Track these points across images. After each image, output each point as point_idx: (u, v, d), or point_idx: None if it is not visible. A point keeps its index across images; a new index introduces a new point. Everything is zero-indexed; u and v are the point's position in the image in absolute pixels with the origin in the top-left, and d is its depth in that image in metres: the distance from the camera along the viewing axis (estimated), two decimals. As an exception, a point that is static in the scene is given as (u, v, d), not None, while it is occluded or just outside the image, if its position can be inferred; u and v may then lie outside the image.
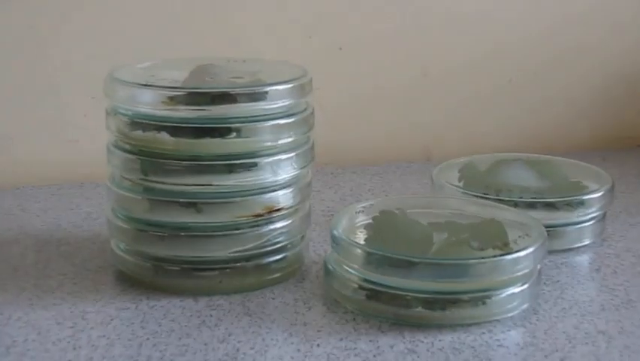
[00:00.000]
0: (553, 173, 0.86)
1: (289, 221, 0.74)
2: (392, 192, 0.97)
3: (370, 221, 0.75)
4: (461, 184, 0.85)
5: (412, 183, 1.00)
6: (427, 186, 0.95)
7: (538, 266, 0.71)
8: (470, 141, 1.09)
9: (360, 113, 1.06)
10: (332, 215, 0.86)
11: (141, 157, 0.71)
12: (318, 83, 0.76)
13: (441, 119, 1.10)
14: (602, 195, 0.82)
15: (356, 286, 0.70)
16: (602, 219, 0.83)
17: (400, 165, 1.05)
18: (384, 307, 0.68)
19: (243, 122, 0.70)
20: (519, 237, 0.71)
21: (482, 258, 0.68)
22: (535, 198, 0.81)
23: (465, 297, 0.68)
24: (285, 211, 0.73)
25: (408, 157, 1.07)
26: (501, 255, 0.68)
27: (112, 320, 0.68)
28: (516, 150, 1.02)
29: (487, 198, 0.81)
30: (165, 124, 0.70)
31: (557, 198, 0.80)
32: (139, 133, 0.70)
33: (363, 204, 0.77)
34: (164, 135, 0.70)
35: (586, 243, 0.82)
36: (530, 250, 0.68)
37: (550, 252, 0.77)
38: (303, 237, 0.77)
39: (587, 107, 1.14)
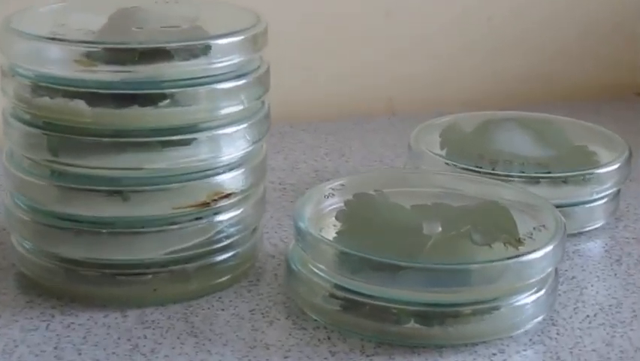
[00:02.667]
0: (553, 136, 0.72)
1: (240, 210, 0.58)
2: (352, 155, 0.81)
3: (343, 207, 0.59)
4: (444, 152, 0.70)
5: (375, 143, 0.85)
6: (394, 147, 0.81)
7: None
8: (440, 90, 0.94)
9: (310, 60, 0.90)
10: (284, 189, 0.71)
11: (49, 132, 0.54)
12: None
13: (406, 65, 0.94)
14: (620, 168, 0.67)
15: (328, 293, 0.54)
16: (616, 195, 0.69)
17: (358, 121, 0.90)
18: (367, 321, 0.54)
19: (181, 85, 0.54)
20: (533, 229, 0.57)
21: (491, 261, 0.53)
22: (540, 172, 0.66)
23: (467, 309, 0.53)
24: (235, 198, 0.57)
25: (368, 110, 0.92)
26: (515, 257, 0.53)
27: (16, 346, 0.52)
28: (491, 103, 0.88)
29: (479, 172, 0.66)
30: (80, 89, 0.53)
31: (568, 173, 0.66)
32: (45, 100, 0.54)
33: (331, 185, 0.61)
34: (79, 104, 0.53)
35: (598, 224, 0.68)
36: (549, 248, 0.54)
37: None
38: (256, 227, 0.61)
39: (574, 49, 0.99)
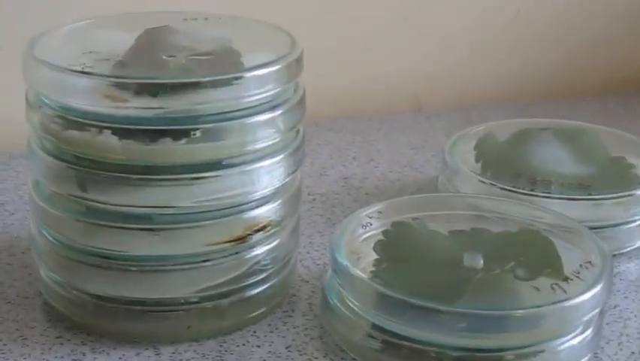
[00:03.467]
0: (589, 148, 0.70)
1: (276, 241, 0.56)
2: (381, 159, 0.79)
3: (381, 237, 0.57)
4: (479, 165, 0.68)
5: (402, 145, 0.82)
6: (423, 149, 0.79)
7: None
8: (466, 85, 0.91)
9: (337, 57, 0.87)
10: (313, 200, 0.69)
11: (77, 166, 0.52)
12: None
13: (431, 61, 0.91)
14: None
15: (366, 332, 0.53)
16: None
17: (384, 119, 0.87)
18: (406, 363, 0.52)
19: (213, 120, 0.52)
20: (580, 266, 0.55)
21: (536, 306, 0.51)
22: (579, 194, 0.64)
23: (510, 354, 0.51)
24: (271, 230, 0.55)
25: (394, 107, 0.89)
26: (561, 301, 0.51)
27: (46, 392, 0.51)
28: (517, 96, 0.86)
29: (516, 192, 0.64)
30: (109, 124, 0.51)
31: (609, 196, 0.63)
32: (73, 134, 0.52)
33: (368, 211, 0.59)
34: (109, 138, 0.51)
35: (637, 245, 0.66)
36: (598, 288, 0.52)
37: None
38: (290, 256, 0.59)
39: (601, 42, 0.96)
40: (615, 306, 0.59)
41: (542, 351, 0.52)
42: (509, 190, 0.64)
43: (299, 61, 0.55)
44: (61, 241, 0.54)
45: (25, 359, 0.53)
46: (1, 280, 0.60)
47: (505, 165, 0.67)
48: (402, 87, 0.90)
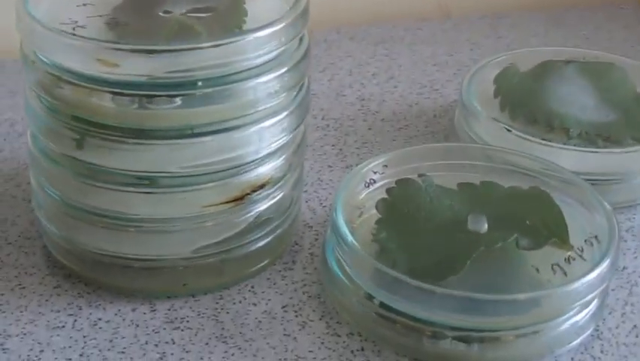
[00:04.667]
0: (616, 86, 0.67)
1: (276, 197, 0.55)
2: (401, 77, 0.77)
3: (384, 195, 0.56)
4: (497, 102, 0.65)
5: (425, 60, 0.80)
6: (446, 66, 0.77)
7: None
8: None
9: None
10: (327, 126, 0.68)
11: (73, 125, 0.51)
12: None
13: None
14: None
15: (363, 301, 0.52)
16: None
17: (409, 27, 0.84)
18: (402, 337, 0.51)
19: (212, 84, 0.49)
20: (585, 242, 0.53)
21: (536, 290, 0.50)
22: (595, 147, 0.61)
23: (509, 334, 0.50)
24: (271, 187, 0.54)
25: (419, 13, 0.86)
26: (563, 285, 0.50)
27: (42, 351, 0.51)
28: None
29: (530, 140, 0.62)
30: (102, 87, 0.49)
31: (626, 150, 0.61)
32: (67, 93, 0.50)
33: (373, 164, 0.57)
34: (103, 100, 0.50)
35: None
36: (604, 266, 0.50)
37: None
38: (293, 204, 0.58)
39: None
40: (623, 268, 0.58)
41: (542, 330, 0.51)
42: (524, 138, 0.61)
43: (304, 14, 0.52)
44: (59, 196, 0.54)
45: (21, 312, 0.53)
46: (4, 217, 0.60)
47: (524, 104, 0.65)
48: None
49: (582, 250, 0.52)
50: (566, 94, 0.65)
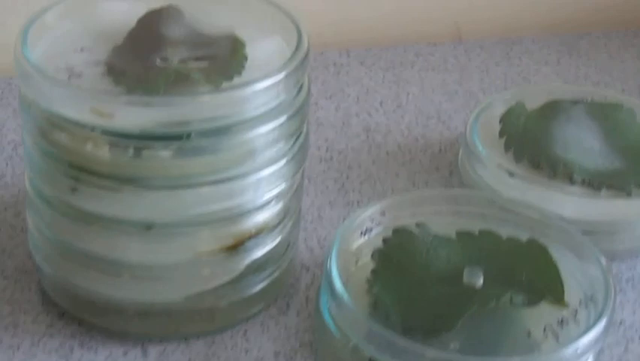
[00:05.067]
0: (624, 128, 0.66)
1: (274, 243, 0.55)
2: (408, 106, 0.76)
3: (380, 245, 0.55)
4: (502, 142, 0.65)
5: (435, 87, 0.79)
6: (456, 96, 0.76)
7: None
8: (506, 11, 0.86)
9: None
10: (330, 158, 0.68)
11: (68, 169, 0.51)
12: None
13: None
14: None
15: (353, 354, 0.52)
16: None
17: (421, 52, 0.83)
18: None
19: (207, 134, 0.49)
20: (579, 303, 0.52)
21: (529, 353, 0.50)
22: (599, 194, 0.61)
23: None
24: (269, 233, 0.54)
25: (432, 36, 0.85)
26: (557, 350, 0.49)
27: (31, 396, 0.51)
28: (562, 26, 0.81)
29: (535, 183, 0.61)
30: (97, 135, 0.49)
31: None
32: (62, 138, 0.50)
33: (371, 211, 0.57)
34: (97, 148, 0.49)
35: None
36: (597, 330, 0.50)
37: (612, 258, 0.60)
38: (290, 247, 0.57)
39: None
40: (620, 323, 0.57)
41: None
42: (527, 182, 0.61)
43: (304, 61, 0.52)
44: (53, 238, 0.54)
45: (14, 352, 0.53)
46: (1, 247, 0.60)
47: (528, 147, 0.64)
48: (443, 15, 0.85)
49: (576, 313, 0.52)
50: (571, 137, 0.64)
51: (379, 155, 0.70)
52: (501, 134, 0.66)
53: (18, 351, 0.53)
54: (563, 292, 0.53)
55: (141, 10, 0.55)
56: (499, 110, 0.67)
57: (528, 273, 0.54)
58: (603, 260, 0.54)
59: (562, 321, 0.51)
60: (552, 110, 0.66)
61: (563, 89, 0.70)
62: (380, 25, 0.84)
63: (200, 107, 0.48)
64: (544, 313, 0.52)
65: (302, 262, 0.60)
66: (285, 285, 0.58)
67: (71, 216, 0.52)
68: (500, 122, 0.66)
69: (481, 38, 0.84)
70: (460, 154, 0.66)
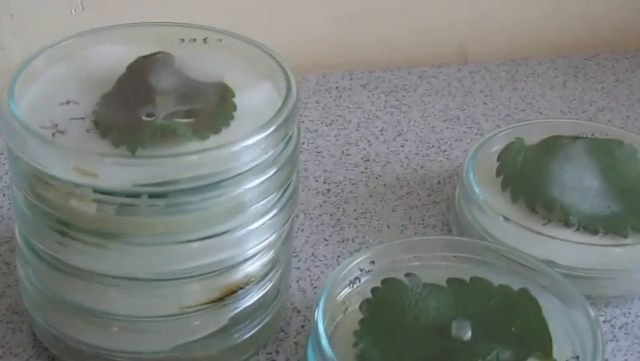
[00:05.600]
0: (624, 166, 0.65)
1: (263, 291, 0.55)
2: (409, 134, 0.75)
3: (368, 295, 0.55)
4: (500, 181, 0.64)
5: (437, 112, 0.78)
6: (457, 122, 0.75)
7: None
8: (513, 32, 0.85)
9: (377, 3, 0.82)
10: (327, 191, 0.67)
11: (55, 225, 0.50)
12: None
13: (478, 7, 0.85)
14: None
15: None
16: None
17: (424, 74, 0.83)
18: None
19: (190, 193, 0.49)
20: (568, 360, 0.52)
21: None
22: (594, 240, 0.60)
23: None
24: (258, 282, 0.54)
25: (437, 58, 0.84)
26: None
27: None
28: (569, 47, 0.81)
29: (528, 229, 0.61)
30: (81, 192, 0.49)
31: (626, 243, 0.60)
32: (47, 194, 0.50)
33: (360, 260, 0.57)
34: (82, 205, 0.49)
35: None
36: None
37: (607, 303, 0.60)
38: (280, 292, 0.57)
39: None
40: (613, 377, 0.57)
41: None
42: (522, 227, 0.60)
43: (293, 112, 0.51)
44: (42, 288, 0.54)
45: (2, 399, 0.54)
46: (-13, 288, 0.60)
47: (525, 187, 0.63)
48: (449, 36, 0.84)
49: (562, 370, 0.51)
50: (569, 176, 0.64)
51: (377, 187, 0.69)
52: (498, 173, 0.65)
53: (6, 398, 0.54)
54: (551, 347, 0.53)
55: (132, 55, 0.54)
56: (498, 145, 0.66)
57: (517, 326, 0.54)
58: (592, 313, 0.54)
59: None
60: (551, 146, 0.66)
61: (563, 124, 0.69)
62: (384, 48, 0.83)
63: (185, 165, 0.48)
64: (532, 368, 0.52)
65: (294, 305, 0.60)
66: (276, 329, 0.58)
67: (59, 269, 0.52)
68: (498, 159, 0.66)
69: (487, 60, 0.83)
70: (457, 192, 0.66)
